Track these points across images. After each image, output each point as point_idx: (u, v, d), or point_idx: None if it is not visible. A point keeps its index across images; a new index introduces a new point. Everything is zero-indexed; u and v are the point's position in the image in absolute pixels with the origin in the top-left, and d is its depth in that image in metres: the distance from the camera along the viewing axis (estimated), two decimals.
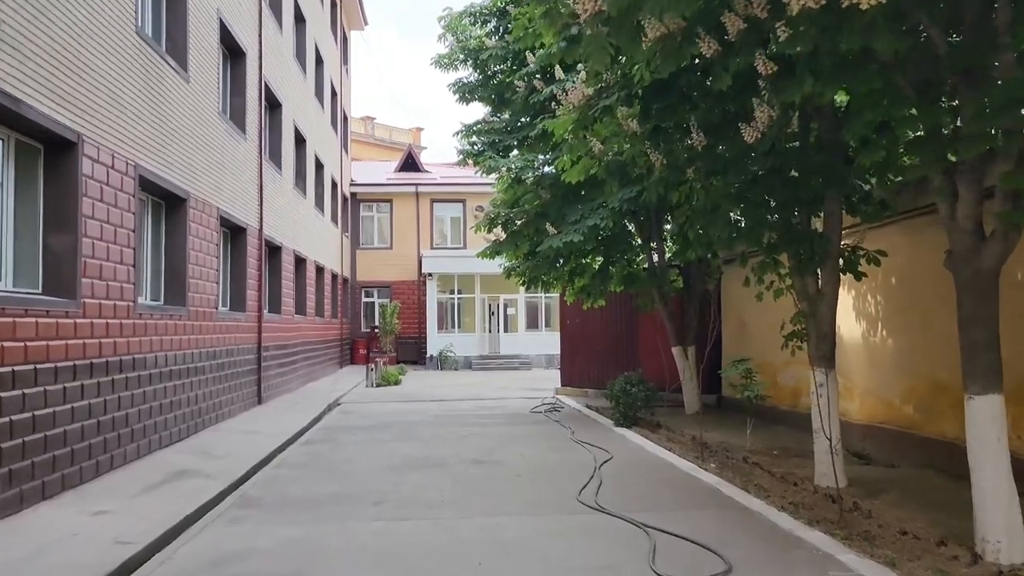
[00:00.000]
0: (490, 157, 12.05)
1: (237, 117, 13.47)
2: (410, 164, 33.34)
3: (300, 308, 19.38)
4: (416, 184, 30.95)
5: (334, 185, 25.70)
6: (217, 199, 11.90)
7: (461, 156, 12.92)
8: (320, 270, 22.35)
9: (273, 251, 16.50)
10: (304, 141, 19.79)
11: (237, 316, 13.11)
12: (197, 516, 6.61)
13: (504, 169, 12.31)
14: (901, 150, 7.26)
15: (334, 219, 25.60)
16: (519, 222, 13.10)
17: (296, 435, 11.23)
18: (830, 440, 7.10)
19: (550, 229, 12.06)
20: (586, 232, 11.66)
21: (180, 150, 10.18)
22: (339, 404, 16.14)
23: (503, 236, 13.80)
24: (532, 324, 29.21)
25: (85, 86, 7.50)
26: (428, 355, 27.86)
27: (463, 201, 30.81)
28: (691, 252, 9.56)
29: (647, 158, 7.92)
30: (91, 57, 7.64)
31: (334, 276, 25.25)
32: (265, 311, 15.53)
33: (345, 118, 29.40)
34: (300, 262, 19.46)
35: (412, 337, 29.78)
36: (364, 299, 30.48)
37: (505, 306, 28.96)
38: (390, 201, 30.86)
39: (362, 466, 8.77)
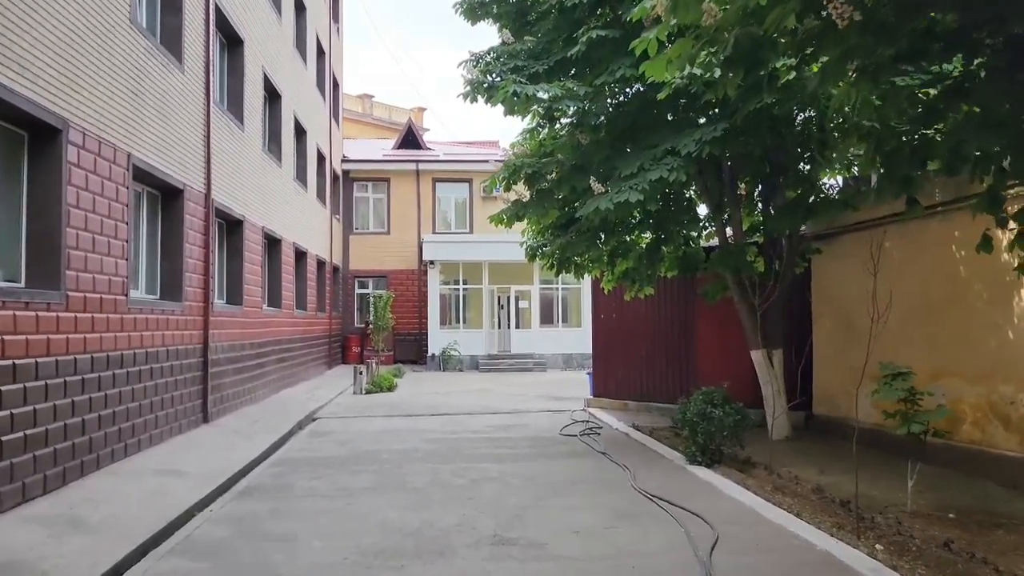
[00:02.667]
0: (514, 81, 8.48)
1: (169, 39, 10.01)
2: (410, 140, 29.80)
3: (273, 299, 15.94)
4: (417, 161, 27.43)
5: (321, 158, 22.24)
6: (129, 142, 8.46)
7: (469, 89, 9.37)
8: (302, 255, 18.92)
9: (232, 226, 13.06)
10: (279, 97, 16.32)
11: (168, 307, 9.68)
12: None
13: (530, 100, 8.67)
14: None
15: (321, 197, 22.14)
16: (550, 176, 9.57)
17: (233, 478, 7.79)
18: None
19: (595, 186, 8.58)
20: (647, 189, 8.18)
21: (45, 55, 6.73)
22: (314, 420, 12.72)
23: (526, 196, 10.28)
24: (547, 319, 25.68)
25: None
26: (429, 354, 24.41)
27: (469, 181, 27.30)
28: (874, 195, 5.96)
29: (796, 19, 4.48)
30: None
31: (321, 263, 21.81)
32: (218, 301, 12.11)
33: (336, 84, 25.90)
34: (273, 243, 16.02)
35: (411, 333, 26.31)
36: (358, 290, 27.02)
37: (516, 298, 25.44)
38: (387, 180, 27.36)
39: (309, 555, 5.31)
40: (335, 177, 25.20)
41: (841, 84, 5.33)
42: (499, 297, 25.42)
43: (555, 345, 24.74)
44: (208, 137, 11.13)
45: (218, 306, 11.85)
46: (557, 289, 25.31)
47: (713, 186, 10.42)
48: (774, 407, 9.99)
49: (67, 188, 7.03)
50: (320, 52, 22.50)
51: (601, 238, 10.89)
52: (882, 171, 5.03)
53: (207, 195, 11.15)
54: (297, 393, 15.97)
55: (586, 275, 12.46)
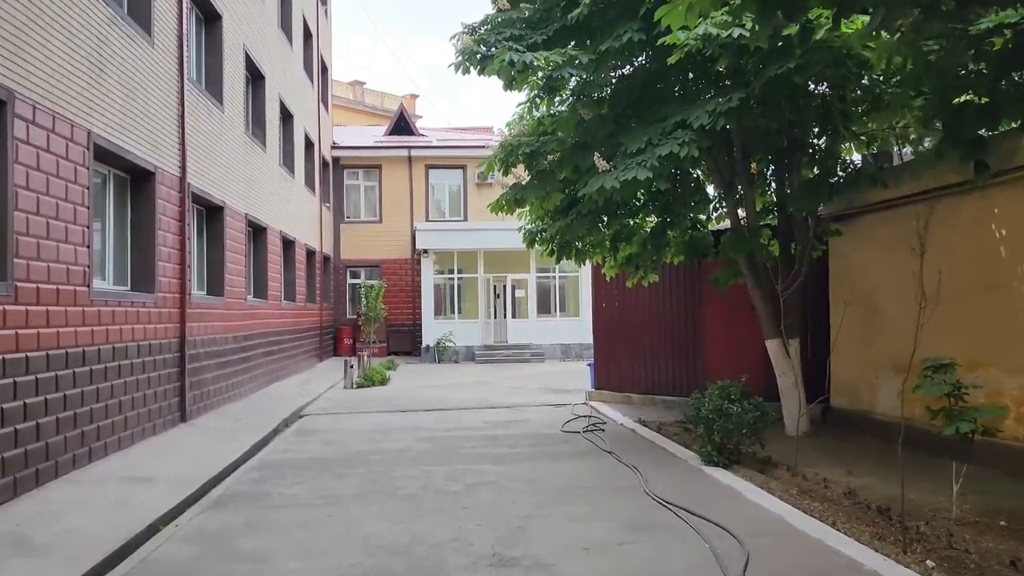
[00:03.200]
0: (511, 48, 7.74)
1: (137, 8, 9.26)
2: (402, 127, 29.00)
3: (259, 290, 15.24)
4: (409, 147, 26.65)
5: (309, 144, 21.46)
6: (90, 118, 7.73)
7: (460, 59, 8.62)
8: (289, 244, 18.19)
9: (212, 212, 12.33)
10: (263, 78, 15.55)
11: (139, 298, 8.98)
12: None
13: (530, 69, 7.90)
14: None
15: (309, 184, 21.38)
16: (550, 156, 8.87)
17: (207, 485, 7.12)
18: None
19: (600, 163, 7.90)
20: (656, 166, 7.51)
21: None
22: (301, 416, 12.05)
23: (524, 180, 9.58)
24: (544, 308, 24.94)
25: None
26: (424, 345, 23.70)
27: (463, 167, 26.53)
28: (933, 158, 5.25)
29: None
30: None
31: (310, 252, 21.09)
32: (197, 292, 11.41)
33: (324, 68, 25.08)
34: (258, 231, 15.30)
35: (405, 324, 25.64)
36: (350, 280, 26.28)
37: (513, 287, 24.74)
38: (379, 167, 26.58)
39: None
40: (324, 164, 24.44)
41: (874, 44, 4.67)
42: (495, 286, 24.72)
43: (553, 335, 24.06)
44: (182, 117, 10.39)
45: (197, 297, 11.15)
46: (554, 277, 24.61)
47: (723, 164, 9.75)
48: (796, 401, 9.32)
49: (14, 167, 6.31)
50: (307, 34, 21.68)
51: (603, 221, 10.22)
52: (943, 133, 4.35)
53: (182, 179, 10.42)
54: (286, 387, 15.30)
55: (587, 262, 11.79)
